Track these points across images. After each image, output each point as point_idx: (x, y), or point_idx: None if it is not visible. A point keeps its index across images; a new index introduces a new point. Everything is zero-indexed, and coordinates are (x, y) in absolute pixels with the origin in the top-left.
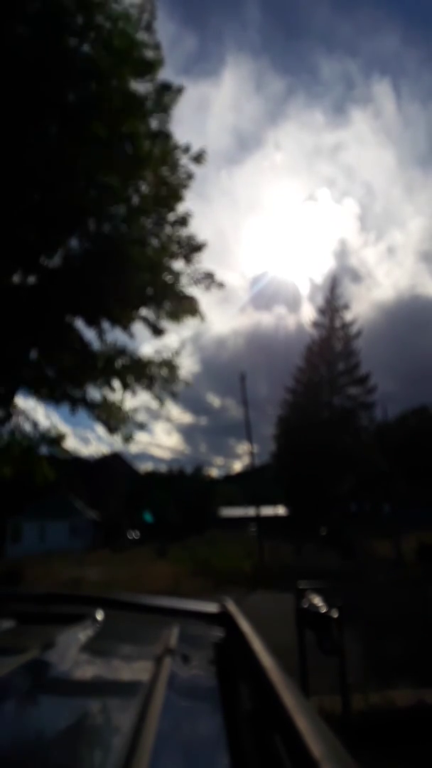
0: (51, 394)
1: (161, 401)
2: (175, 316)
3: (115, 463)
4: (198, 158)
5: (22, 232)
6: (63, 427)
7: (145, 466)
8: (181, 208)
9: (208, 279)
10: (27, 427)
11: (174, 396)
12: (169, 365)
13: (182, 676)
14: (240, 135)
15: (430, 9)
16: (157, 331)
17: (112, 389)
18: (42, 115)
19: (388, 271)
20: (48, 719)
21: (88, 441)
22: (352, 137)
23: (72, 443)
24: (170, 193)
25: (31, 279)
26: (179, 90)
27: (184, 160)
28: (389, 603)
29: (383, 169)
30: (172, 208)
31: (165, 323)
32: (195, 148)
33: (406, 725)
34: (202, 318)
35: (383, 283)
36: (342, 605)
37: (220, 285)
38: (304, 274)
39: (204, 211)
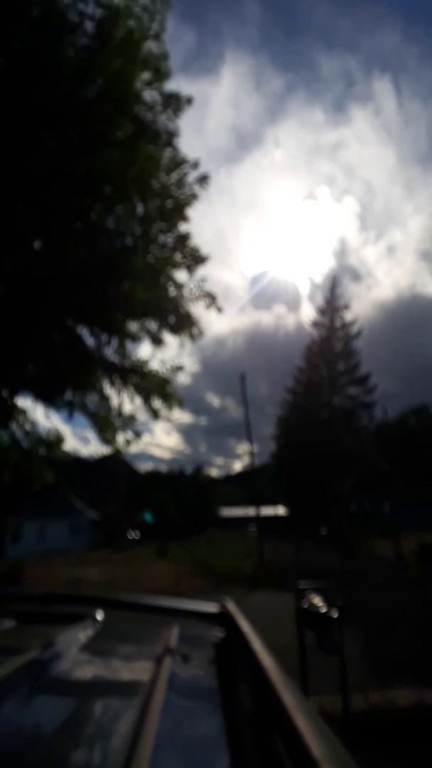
0: (49, 398)
1: (156, 416)
2: (176, 329)
3: (115, 463)
4: (201, 181)
5: (24, 236)
6: (62, 427)
7: (145, 466)
8: (185, 225)
9: (209, 299)
10: (26, 428)
11: (170, 408)
12: (166, 386)
13: (182, 676)
14: (239, 133)
15: (430, 5)
16: (157, 341)
17: (108, 397)
18: (45, 120)
19: (388, 270)
20: (48, 719)
21: (88, 441)
22: (352, 135)
23: (72, 443)
24: (175, 207)
25: (31, 282)
26: (188, 100)
27: (191, 178)
28: (389, 603)
29: (383, 167)
30: (175, 224)
31: (165, 333)
32: (195, 155)
33: (406, 725)
34: (201, 333)
35: (383, 282)
36: (342, 605)
37: (219, 309)
38: (304, 273)
39: (203, 210)
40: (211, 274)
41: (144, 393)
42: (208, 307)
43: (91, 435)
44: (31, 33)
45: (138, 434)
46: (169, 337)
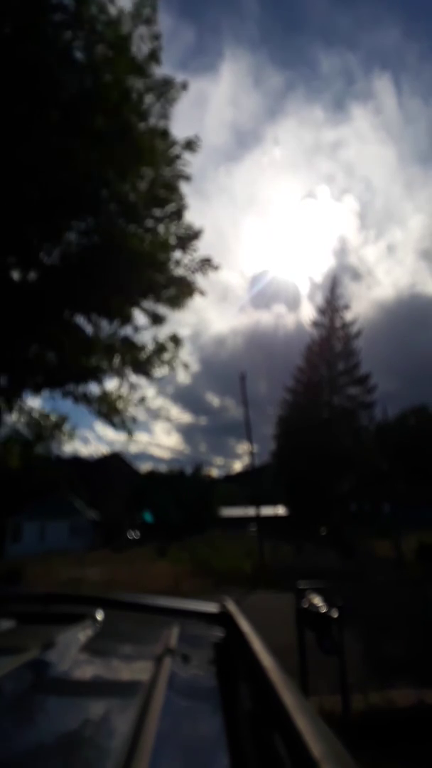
0: (51, 386)
1: (153, 379)
2: (176, 301)
3: (115, 463)
4: (189, 145)
5: (21, 226)
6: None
7: (145, 466)
8: (179, 199)
9: (205, 265)
10: (31, 416)
11: (173, 370)
12: (165, 349)
13: (182, 676)
14: (238, 131)
15: (431, 2)
16: (157, 320)
17: (109, 379)
18: (39, 110)
19: (388, 269)
20: (48, 719)
21: (88, 441)
22: (352, 133)
23: (72, 443)
24: (168, 192)
25: (31, 274)
26: (183, 85)
27: (182, 154)
28: (389, 603)
29: (383, 165)
30: (170, 201)
31: (165, 310)
32: (190, 137)
33: (406, 725)
34: (202, 294)
35: (383, 281)
36: (342, 605)
37: (216, 268)
38: (304, 272)
39: (203, 209)
40: (211, 273)
41: (143, 369)
42: (204, 273)
43: (91, 435)
44: (22, 24)
45: (142, 399)
46: (170, 330)
